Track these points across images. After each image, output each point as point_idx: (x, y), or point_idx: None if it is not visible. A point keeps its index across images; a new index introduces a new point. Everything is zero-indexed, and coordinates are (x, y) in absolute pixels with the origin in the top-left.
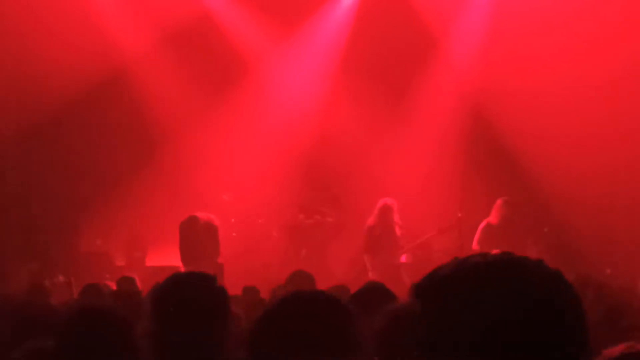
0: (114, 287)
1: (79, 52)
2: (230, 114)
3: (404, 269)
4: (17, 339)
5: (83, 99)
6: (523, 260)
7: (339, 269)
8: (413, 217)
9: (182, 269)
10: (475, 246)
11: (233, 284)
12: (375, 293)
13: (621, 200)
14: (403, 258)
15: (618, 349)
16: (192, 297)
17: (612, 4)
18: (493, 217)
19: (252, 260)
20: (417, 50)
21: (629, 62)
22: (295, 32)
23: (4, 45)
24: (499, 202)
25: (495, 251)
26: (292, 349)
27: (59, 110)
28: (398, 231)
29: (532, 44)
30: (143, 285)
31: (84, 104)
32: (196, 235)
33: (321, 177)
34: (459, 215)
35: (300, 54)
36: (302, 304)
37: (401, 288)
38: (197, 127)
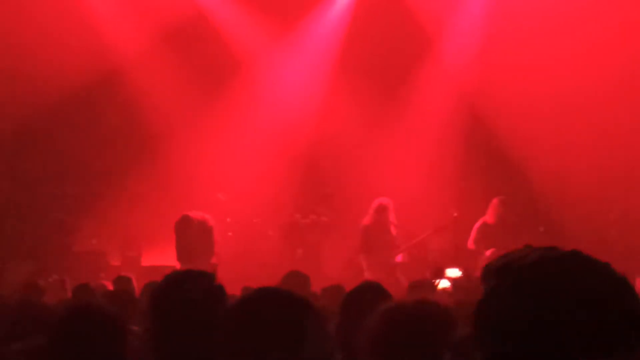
0: (109, 286)
1: (73, 51)
2: (225, 112)
3: (399, 269)
4: (10, 337)
5: (78, 99)
6: (594, 261)
7: (335, 269)
8: (409, 216)
9: (178, 269)
10: (471, 245)
11: (229, 283)
12: (370, 292)
13: (617, 199)
14: (399, 257)
15: None
16: (189, 295)
17: (610, 6)
18: (489, 217)
19: (248, 260)
20: (413, 49)
21: (626, 65)
22: (291, 31)
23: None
24: (494, 201)
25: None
26: (249, 346)
27: (53, 109)
28: (394, 231)
29: (529, 44)
30: (138, 284)
31: (79, 103)
32: (191, 235)
33: (317, 177)
34: (455, 214)
35: (296, 53)
36: (263, 303)
37: (397, 287)
38: (193, 126)
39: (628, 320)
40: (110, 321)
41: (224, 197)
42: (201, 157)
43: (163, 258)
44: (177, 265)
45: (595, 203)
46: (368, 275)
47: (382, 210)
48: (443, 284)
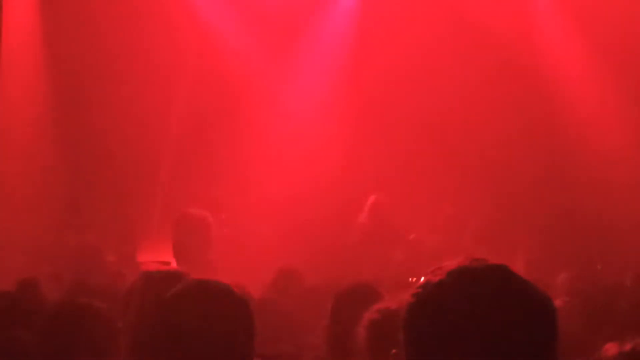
0: (104, 281)
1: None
2: (223, 113)
3: (395, 266)
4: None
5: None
6: (516, 277)
7: (330, 266)
8: (404, 213)
9: (174, 265)
10: (466, 243)
11: (224, 281)
12: (361, 293)
13: (614, 197)
14: (395, 255)
15: (622, 344)
16: (159, 295)
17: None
18: (483, 214)
19: (243, 258)
20: (419, 50)
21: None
22: (292, 43)
23: None
24: (488, 198)
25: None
26: (177, 341)
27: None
28: (389, 228)
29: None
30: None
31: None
32: (188, 232)
33: (313, 173)
34: (450, 211)
35: (300, 67)
36: (195, 296)
37: (393, 285)
38: (191, 125)
39: (537, 342)
40: (101, 318)
41: (219, 194)
42: (199, 154)
43: (160, 254)
44: (174, 262)
45: (593, 198)
46: (364, 273)
47: (377, 207)
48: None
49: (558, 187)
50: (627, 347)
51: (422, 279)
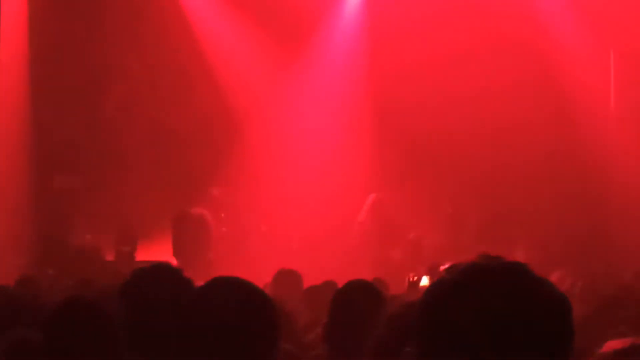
0: (104, 281)
1: None
2: (225, 115)
3: (395, 265)
4: (3, 330)
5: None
6: (532, 276)
7: (330, 265)
8: (404, 212)
9: (173, 265)
10: (465, 242)
11: None
12: (359, 290)
13: (613, 195)
14: (394, 253)
15: (624, 341)
16: (156, 290)
17: None
18: (482, 213)
19: (242, 256)
20: (423, 54)
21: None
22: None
23: None
24: (487, 198)
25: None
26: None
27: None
28: (389, 226)
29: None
30: None
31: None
32: (188, 231)
33: (313, 173)
34: (450, 210)
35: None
36: (221, 293)
37: (393, 283)
38: (191, 126)
39: (552, 340)
40: (102, 316)
41: (218, 192)
42: (197, 153)
43: (159, 253)
44: (173, 261)
45: (592, 197)
46: (364, 271)
47: (377, 205)
48: (424, 281)
49: (557, 187)
50: (627, 344)
51: (424, 277)
